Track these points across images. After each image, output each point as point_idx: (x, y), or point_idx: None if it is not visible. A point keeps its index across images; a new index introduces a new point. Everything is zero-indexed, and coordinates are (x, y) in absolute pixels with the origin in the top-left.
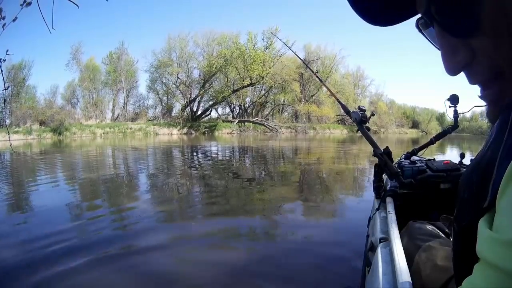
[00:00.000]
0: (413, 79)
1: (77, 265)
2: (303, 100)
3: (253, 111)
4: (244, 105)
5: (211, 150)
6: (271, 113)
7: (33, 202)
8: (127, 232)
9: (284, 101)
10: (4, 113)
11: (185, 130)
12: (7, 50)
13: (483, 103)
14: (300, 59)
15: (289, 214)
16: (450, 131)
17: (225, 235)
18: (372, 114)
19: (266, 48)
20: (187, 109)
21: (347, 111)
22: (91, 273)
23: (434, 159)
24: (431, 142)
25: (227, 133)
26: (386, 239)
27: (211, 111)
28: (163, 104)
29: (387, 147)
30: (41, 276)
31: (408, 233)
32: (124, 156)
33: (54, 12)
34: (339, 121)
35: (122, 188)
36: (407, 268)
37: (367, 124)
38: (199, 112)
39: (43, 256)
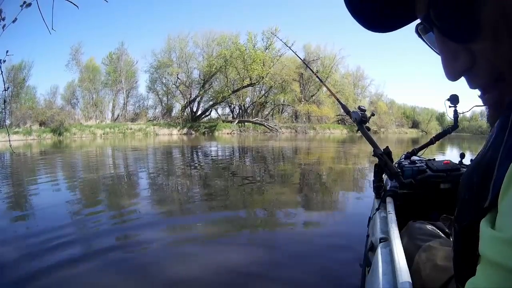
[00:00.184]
0: (413, 79)
1: (76, 264)
2: (303, 100)
3: (253, 111)
4: (244, 105)
5: (211, 151)
6: (271, 113)
7: (33, 202)
8: (127, 232)
9: (284, 101)
10: (4, 113)
11: (185, 130)
12: (7, 51)
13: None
14: (300, 59)
15: (289, 214)
16: (450, 131)
17: (225, 236)
18: (372, 114)
19: (266, 48)
20: (187, 109)
21: (347, 111)
22: (91, 272)
23: (434, 159)
24: (431, 142)
25: (227, 133)
26: (386, 239)
27: (211, 111)
28: (163, 104)
29: (387, 147)
30: (41, 274)
31: (408, 233)
32: (124, 157)
33: (54, 13)
34: (339, 121)
35: (122, 188)
36: (407, 268)
37: (367, 124)
38: (199, 113)
39: (42, 255)
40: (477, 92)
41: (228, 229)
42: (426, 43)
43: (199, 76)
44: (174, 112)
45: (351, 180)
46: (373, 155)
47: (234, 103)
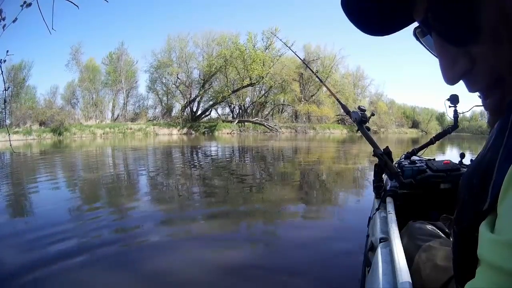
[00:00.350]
0: (413, 79)
1: (75, 263)
2: (303, 100)
3: (253, 111)
4: (244, 105)
5: (211, 150)
6: (271, 113)
7: (33, 201)
8: (126, 231)
9: (284, 101)
10: (4, 113)
11: (185, 130)
12: (7, 51)
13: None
14: (300, 59)
15: (289, 214)
16: (450, 131)
17: (224, 235)
18: (372, 114)
19: (266, 48)
20: (187, 109)
21: (347, 111)
22: (90, 270)
23: (434, 159)
24: (431, 142)
25: (227, 133)
26: (386, 239)
27: (211, 111)
28: (163, 104)
29: (387, 147)
30: (40, 272)
31: (408, 233)
32: (124, 157)
33: (54, 12)
34: (339, 121)
35: (122, 188)
36: (407, 268)
37: (367, 124)
38: (199, 112)
39: (42, 253)
40: (477, 92)
41: (228, 229)
42: (424, 46)
43: (199, 76)
44: (174, 112)
45: (351, 180)
46: (373, 155)
47: (234, 103)
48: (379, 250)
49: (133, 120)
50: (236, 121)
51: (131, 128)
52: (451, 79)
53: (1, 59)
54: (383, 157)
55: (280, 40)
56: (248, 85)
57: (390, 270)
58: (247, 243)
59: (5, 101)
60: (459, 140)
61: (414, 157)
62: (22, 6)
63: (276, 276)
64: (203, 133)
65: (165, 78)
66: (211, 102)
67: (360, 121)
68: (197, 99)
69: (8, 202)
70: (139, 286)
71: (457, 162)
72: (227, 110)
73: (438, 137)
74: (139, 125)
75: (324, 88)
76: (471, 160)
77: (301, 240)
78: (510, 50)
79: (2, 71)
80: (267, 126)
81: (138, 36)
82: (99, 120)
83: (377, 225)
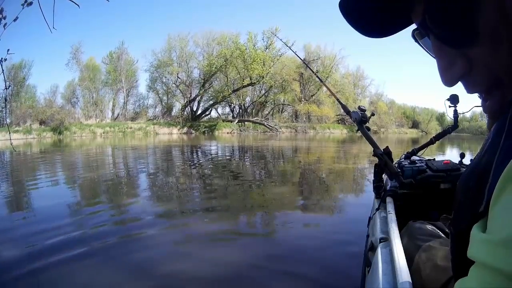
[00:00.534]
0: (414, 79)
1: (75, 262)
2: (303, 100)
3: (253, 110)
4: (244, 105)
5: (211, 150)
6: (271, 112)
7: (33, 198)
8: (125, 227)
9: (284, 101)
10: (5, 112)
11: (185, 129)
12: (8, 50)
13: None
14: (300, 58)
15: (289, 213)
16: (450, 131)
17: (224, 233)
18: (372, 114)
19: (266, 48)
20: (187, 108)
21: (347, 111)
22: (89, 269)
23: (434, 159)
24: (431, 142)
25: (227, 133)
26: (386, 239)
27: (211, 110)
28: (163, 103)
29: (387, 147)
30: (39, 270)
31: (408, 233)
32: (124, 156)
33: (54, 12)
34: (339, 121)
35: (122, 186)
36: (407, 268)
37: (367, 124)
38: (199, 112)
39: (41, 251)
40: (476, 93)
41: (227, 228)
42: (423, 47)
43: (199, 75)
44: (174, 111)
45: (351, 180)
46: (373, 155)
47: (234, 103)
48: (379, 250)
49: (133, 119)
50: (236, 120)
51: (131, 127)
52: (449, 81)
53: (1, 58)
54: (383, 157)
55: (280, 40)
56: (248, 85)
57: (390, 270)
58: (247, 242)
59: (5, 100)
60: (459, 141)
61: (414, 157)
62: (23, 5)
63: (275, 276)
64: (203, 132)
65: (165, 77)
66: (211, 102)
67: (360, 121)
68: (197, 98)
69: (8, 199)
70: (138, 282)
71: (457, 162)
72: (227, 109)
73: (438, 137)
74: (139, 124)
75: (324, 88)
76: (471, 161)
77: (301, 240)
78: (508, 53)
79: (3, 70)
80: (267, 125)
81: (138, 35)
82: (99, 119)
83: (377, 225)
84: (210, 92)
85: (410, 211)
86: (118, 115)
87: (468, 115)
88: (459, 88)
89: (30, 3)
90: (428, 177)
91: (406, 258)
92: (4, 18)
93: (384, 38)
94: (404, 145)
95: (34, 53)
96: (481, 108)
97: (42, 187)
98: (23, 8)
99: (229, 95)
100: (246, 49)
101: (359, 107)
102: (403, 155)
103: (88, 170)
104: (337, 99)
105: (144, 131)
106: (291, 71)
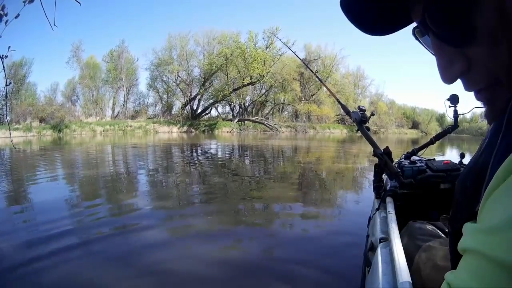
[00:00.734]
0: (414, 80)
1: (72, 254)
2: (303, 99)
3: (253, 110)
4: (244, 104)
5: (211, 149)
6: (271, 112)
7: (32, 195)
8: (124, 225)
9: (284, 100)
10: (5, 109)
11: (185, 128)
12: (9, 47)
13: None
14: (300, 59)
15: (289, 213)
16: (450, 131)
17: (223, 232)
18: (372, 114)
19: (267, 47)
20: (187, 107)
21: (347, 111)
22: (85, 263)
23: (434, 159)
24: (431, 142)
25: (227, 132)
26: (386, 239)
27: (211, 109)
28: (163, 102)
29: (387, 147)
30: (39, 270)
31: (408, 233)
32: (124, 154)
33: (56, 9)
34: (339, 121)
35: (121, 184)
36: (407, 268)
37: (367, 124)
38: (199, 111)
39: (39, 245)
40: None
41: (226, 227)
42: (424, 45)
43: (200, 74)
44: (174, 110)
45: (351, 179)
46: (373, 155)
47: (234, 102)
48: (379, 250)
49: (133, 117)
50: (236, 119)
51: (131, 126)
52: (448, 79)
53: (2, 55)
54: (383, 157)
55: (280, 40)
56: (248, 84)
57: (390, 270)
58: (246, 241)
59: (6, 97)
60: (459, 141)
61: (414, 157)
62: (24, 2)
63: (275, 276)
64: (203, 131)
65: (166, 76)
66: (211, 101)
67: (360, 121)
68: (197, 97)
69: (8, 196)
70: (135, 277)
71: (457, 162)
72: (227, 108)
73: (438, 137)
74: (139, 122)
75: (325, 88)
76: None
77: (300, 240)
78: (507, 52)
79: (4, 67)
80: (267, 125)
81: (139, 34)
82: (99, 118)
83: (377, 225)
84: (210, 91)
85: (410, 211)
86: (118, 113)
87: (468, 116)
88: (459, 88)
89: (32, 0)
90: (428, 177)
91: (406, 258)
92: (6, 15)
93: (385, 36)
94: (403, 145)
95: (34, 51)
96: (481, 110)
97: (41, 184)
98: (24, 5)
99: (229, 94)
100: (246, 48)
101: (359, 107)
102: (403, 155)
103: (88, 167)
104: (337, 99)
105: (144, 129)
106: (291, 71)
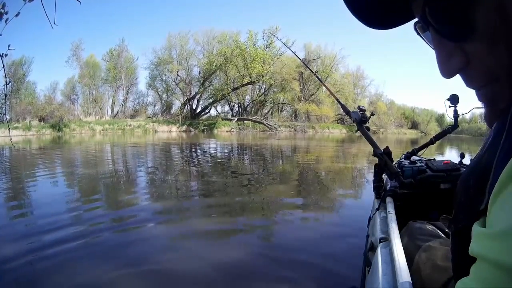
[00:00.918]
0: (413, 80)
1: (69, 254)
2: (302, 99)
3: (253, 109)
4: (243, 104)
5: (210, 148)
6: (270, 111)
7: (31, 193)
8: (123, 223)
9: (283, 100)
10: (4, 108)
11: (184, 127)
12: (9, 45)
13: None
14: (300, 59)
15: (288, 213)
16: (450, 131)
17: (222, 233)
18: (372, 114)
19: (267, 47)
20: (186, 106)
21: (347, 111)
22: (84, 262)
23: (434, 159)
24: (431, 142)
25: (226, 131)
26: (386, 239)
27: (210, 109)
28: (163, 101)
29: (387, 147)
30: (37, 267)
31: (408, 233)
32: (123, 153)
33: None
34: (338, 121)
35: (120, 183)
36: (407, 268)
37: (367, 124)
38: (198, 110)
39: (38, 247)
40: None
41: (225, 227)
42: (425, 40)
43: (199, 73)
44: (173, 109)
45: (351, 180)
46: (373, 155)
47: (234, 101)
48: (379, 250)
49: (132, 117)
50: (236, 119)
51: (130, 125)
52: (446, 73)
53: (2, 53)
54: (383, 157)
55: (280, 40)
56: (248, 84)
57: (390, 270)
58: (245, 242)
59: (6, 96)
60: (458, 142)
61: (414, 157)
62: (24, 0)
63: (274, 276)
64: (203, 130)
65: (165, 75)
66: (210, 100)
67: (360, 121)
68: (196, 96)
69: (7, 194)
70: (134, 277)
71: (457, 162)
72: (227, 108)
73: (438, 137)
74: (139, 122)
75: (324, 88)
76: (471, 160)
77: (300, 240)
78: (505, 49)
79: (3, 65)
80: (267, 124)
81: (139, 33)
82: (98, 117)
83: (377, 225)
84: (209, 91)
85: (410, 211)
86: (117, 112)
87: (467, 116)
88: (459, 88)
89: None
90: (428, 177)
91: (406, 258)
92: (6, 13)
93: (385, 33)
94: (403, 145)
95: (34, 50)
96: (481, 110)
97: (40, 182)
98: (24, 3)
99: (228, 93)
100: (246, 47)
101: (358, 107)
102: (403, 155)
103: (87, 166)
104: (337, 99)
105: (143, 128)
106: (291, 70)
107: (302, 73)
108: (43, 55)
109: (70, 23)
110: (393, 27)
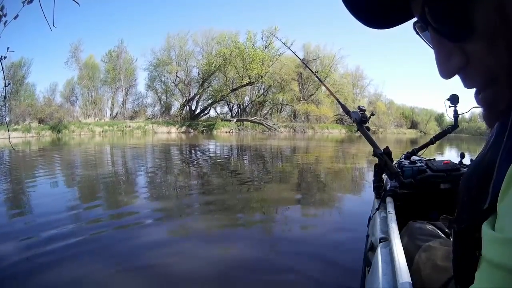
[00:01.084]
0: (413, 80)
1: (69, 254)
2: (301, 99)
3: (252, 110)
4: (242, 104)
5: (209, 149)
6: (269, 112)
7: (31, 195)
8: (123, 227)
9: (282, 101)
10: (4, 110)
11: (183, 128)
12: (8, 48)
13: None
14: (300, 59)
15: (288, 214)
16: (450, 131)
17: (221, 232)
18: (372, 114)
19: (265, 47)
20: (185, 107)
21: (347, 111)
22: (83, 262)
23: (434, 159)
24: (431, 142)
25: (226, 132)
26: (386, 239)
27: (209, 110)
28: (162, 102)
29: (387, 147)
30: (35, 268)
31: (408, 233)
32: (122, 154)
33: (54, 9)
34: (338, 121)
35: (120, 185)
36: (407, 268)
37: (367, 124)
38: (197, 111)
39: (37, 249)
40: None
41: (224, 226)
42: (424, 40)
43: (198, 74)
44: (173, 110)
45: (351, 180)
46: (373, 155)
47: (233, 102)
48: (379, 250)
49: (132, 118)
50: (235, 120)
51: (129, 126)
52: (445, 73)
53: (1, 56)
54: (383, 157)
55: (280, 40)
56: (247, 84)
57: (390, 270)
58: (245, 242)
59: (5, 98)
60: (458, 141)
61: (414, 157)
62: (23, 2)
63: (274, 276)
64: (202, 131)
65: (164, 76)
66: (210, 101)
67: (360, 121)
68: (196, 97)
69: (7, 195)
70: (133, 277)
71: (457, 162)
72: (226, 109)
73: (438, 137)
74: (138, 123)
75: (323, 88)
76: (471, 160)
77: (300, 240)
78: (505, 49)
79: (2, 68)
80: (266, 125)
81: (138, 34)
82: (98, 118)
83: (377, 225)
84: (209, 91)
85: (410, 211)
86: (117, 113)
87: (467, 115)
88: (459, 89)
89: (31, 1)
90: (428, 177)
91: (406, 258)
92: (5, 15)
93: (384, 33)
94: (402, 145)
95: (33, 51)
96: (480, 109)
97: (40, 184)
98: (23, 6)
99: (228, 94)
100: (245, 48)
101: (359, 107)
102: (403, 155)
103: (87, 168)
104: (337, 99)
105: (142, 130)
106: (290, 71)
107: (301, 73)
108: (42, 56)
109: (69, 23)
110: (392, 27)
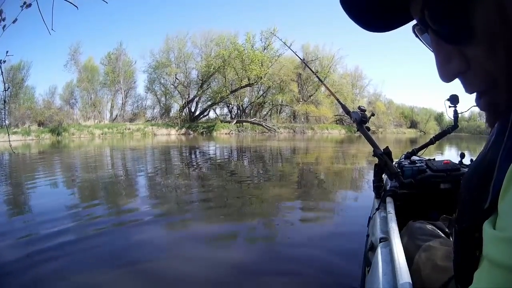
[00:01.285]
0: (412, 79)
1: (70, 260)
2: (301, 100)
3: (251, 111)
4: (242, 106)
5: (209, 151)
6: (269, 113)
7: (31, 198)
8: (123, 228)
9: (282, 102)
10: (3, 113)
11: (183, 130)
12: (7, 51)
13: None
14: (300, 58)
15: (288, 214)
16: (450, 131)
17: (221, 233)
18: (372, 114)
19: (264, 49)
20: (185, 109)
21: (347, 111)
22: (85, 267)
23: (434, 159)
24: (431, 142)
25: (225, 134)
26: (386, 239)
27: (209, 111)
28: (161, 104)
29: (387, 147)
30: (35, 268)
31: (408, 233)
32: (122, 157)
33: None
34: (337, 121)
35: (120, 187)
36: (407, 268)
37: (367, 124)
38: (197, 113)
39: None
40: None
41: (224, 228)
42: (423, 43)
43: (198, 76)
44: (172, 112)
45: (350, 180)
46: (373, 155)
47: (232, 103)
48: (379, 250)
49: (131, 120)
50: (234, 121)
51: (129, 128)
52: (445, 77)
53: (0, 60)
54: (383, 157)
55: (280, 39)
56: (246, 86)
57: (390, 270)
58: (245, 242)
59: (4, 101)
60: (457, 140)
61: (414, 157)
62: (22, 6)
63: (274, 276)
64: (201, 133)
65: (164, 78)
66: (209, 103)
67: (360, 121)
68: (195, 99)
69: (8, 197)
70: (136, 278)
71: (457, 162)
72: (225, 110)
73: (438, 137)
74: (138, 125)
75: (323, 88)
76: (471, 160)
77: (300, 240)
78: (505, 53)
79: (1, 72)
80: (265, 126)
81: (137, 36)
82: (97, 120)
83: (377, 225)
84: (208, 93)
85: (410, 211)
86: (116, 116)
87: (466, 114)
88: (459, 89)
89: (29, 5)
90: (428, 177)
91: (406, 258)
92: (4, 19)
93: (384, 34)
94: (402, 145)
95: (32, 54)
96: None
97: (40, 187)
98: (22, 10)
99: (227, 96)
100: (244, 49)
101: (359, 107)
102: (403, 155)
103: (87, 170)
104: (337, 99)
105: (142, 132)
106: (289, 72)
107: (300, 74)
108: (42, 59)
109: (68, 25)
110: (391, 30)
